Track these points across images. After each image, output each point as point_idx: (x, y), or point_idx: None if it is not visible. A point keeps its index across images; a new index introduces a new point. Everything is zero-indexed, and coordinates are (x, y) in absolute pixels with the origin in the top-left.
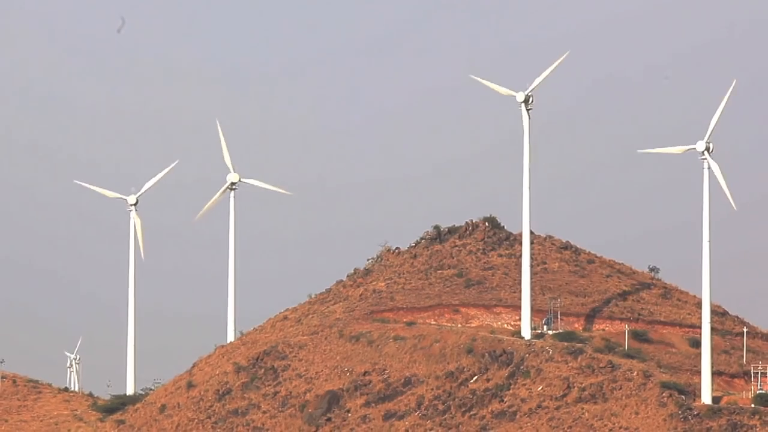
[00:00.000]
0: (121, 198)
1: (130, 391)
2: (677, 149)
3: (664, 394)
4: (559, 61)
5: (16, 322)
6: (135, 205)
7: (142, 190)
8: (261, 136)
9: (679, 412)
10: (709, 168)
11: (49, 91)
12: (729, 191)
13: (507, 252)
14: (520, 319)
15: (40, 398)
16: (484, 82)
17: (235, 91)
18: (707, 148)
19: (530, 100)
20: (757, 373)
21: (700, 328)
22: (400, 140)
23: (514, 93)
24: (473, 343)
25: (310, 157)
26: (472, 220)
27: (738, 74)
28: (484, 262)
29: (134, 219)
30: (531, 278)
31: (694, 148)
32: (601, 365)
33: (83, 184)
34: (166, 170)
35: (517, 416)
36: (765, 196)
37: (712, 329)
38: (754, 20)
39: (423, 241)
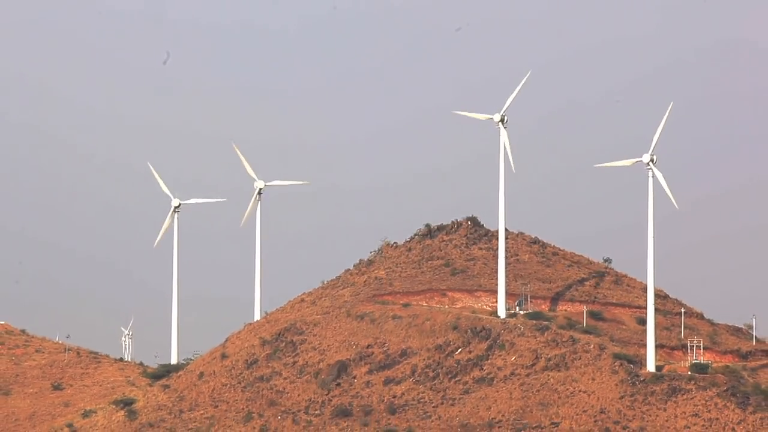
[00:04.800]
0: (168, 195)
1: (174, 360)
2: (627, 162)
3: (616, 364)
4: (523, 80)
5: (80, 303)
6: (177, 207)
7: (188, 201)
8: (279, 147)
9: (628, 378)
10: (653, 176)
11: (110, 111)
12: (672, 194)
13: (486, 246)
14: (496, 301)
15: (99, 367)
16: (467, 114)
17: (257, 109)
18: (651, 160)
19: (505, 119)
20: (693, 346)
21: (645, 308)
22: (398, 152)
23: (491, 116)
24: (458, 321)
25: (321, 165)
26: (457, 220)
27: (675, 98)
28: (467, 255)
29: (170, 218)
30: (506, 267)
31: (641, 160)
32: (563, 339)
33: (158, 239)
34: (211, 200)
35: (495, 382)
36: (698, 199)
37: (656, 310)
38: (688, 55)
39: (416, 236)
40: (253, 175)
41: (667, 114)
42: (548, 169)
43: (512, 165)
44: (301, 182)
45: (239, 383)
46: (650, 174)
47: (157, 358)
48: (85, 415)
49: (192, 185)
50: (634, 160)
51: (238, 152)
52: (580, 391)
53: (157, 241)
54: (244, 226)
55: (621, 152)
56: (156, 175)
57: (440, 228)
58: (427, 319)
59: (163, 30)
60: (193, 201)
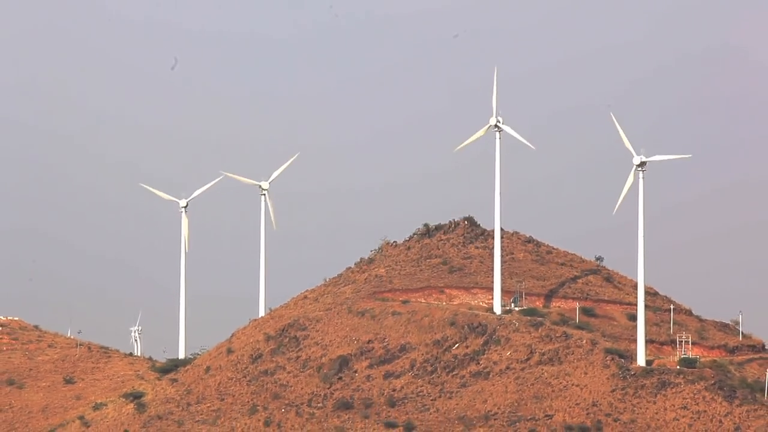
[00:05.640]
0: (174, 200)
1: (181, 355)
2: (631, 179)
3: (607, 358)
4: (495, 76)
5: (90, 300)
6: (185, 207)
7: (193, 196)
8: (287, 150)
9: (620, 372)
10: (644, 178)
11: (120, 114)
12: (621, 201)
13: (482, 245)
14: (492, 298)
15: (110, 361)
16: (467, 142)
17: (262, 113)
18: (642, 163)
19: (500, 122)
20: (681, 341)
21: (635, 305)
22: (398, 154)
23: (487, 124)
24: (455, 317)
25: (323, 167)
26: (454, 220)
27: (665, 101)
28: (464, 253)
29: (183, 219)
30: (501, 266)
31: (634, 157)
32: (557, 335)
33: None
34: (213, 182)
35: (491, 375)
36: (688, 199)
37: (646, 306)
38: (678, 61)
39: (415, 236)
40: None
41: (674, 156)
42: (542, 171)
43: (529, 145)
44: (293, 158)
45: (244, 377)
46: (641, 175)
47: (165, 353)
48: (96, 407)
49: (198, 186)
50: (633, 170)
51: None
52: (573, 384)
53: (185, 246)
54: (277, 227)
55: (612, 154)
56: (153, 191)
57: (438, 227)
58: (426, 315)
59: (171, 37)
60: (197, 193)
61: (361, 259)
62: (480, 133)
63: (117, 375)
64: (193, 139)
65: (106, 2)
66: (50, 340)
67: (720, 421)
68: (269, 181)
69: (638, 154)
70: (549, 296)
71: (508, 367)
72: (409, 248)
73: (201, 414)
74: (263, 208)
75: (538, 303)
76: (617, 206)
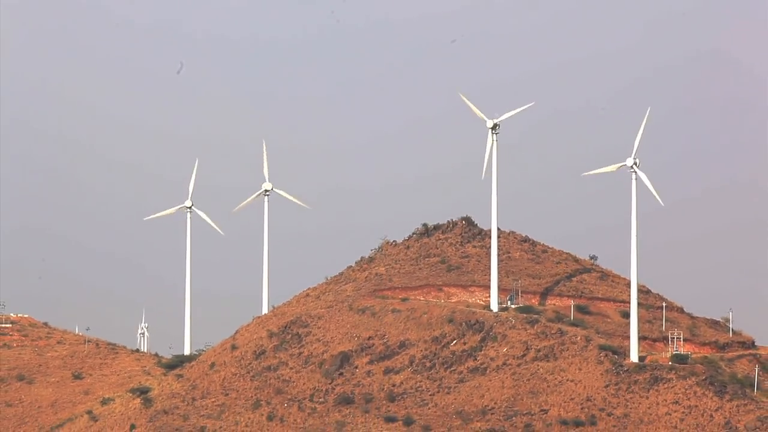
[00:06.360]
0: (182, 206)
1: (187, 351)
2: (612, 167)
3: (601, 354)
4: (524, 107)
5: (98, 298)
6: (190, 207)
7: (198, 212)
8: (285, 151)
9: (613, 368)
10: (636, 179)
11: (127, 117)
12: (656, 192)
13: (479, 244)
14: (489, 296)
15: (117, 358)
16: (467, 101)
17: (265, 115)
18: (635, 163)
19: (497, 127)
20: (674, 338)
21: (629, 303)
22: (397, 156)
23: (486, 118)
24: (453, 315)
25: (325, 168)
26: (452, 219)
27: (657, 105)
28: (462, 252)
29: (172, 209)
30: (498, 264)
31: (625, 164)
32: (552, 332)
33: (152, 216)
34: (212, 223)
35: (488, 371)
36: (679, 200)
37: (639, 304)
38: (669, 66)
39: (414, 235)
40: (266, 175)
41: (645, 119)
42: (539, 172)
43: (483, 172)
44: (302, 203)
45: (248, 373)
46: (633, 177)
47: (171, 350)
48: (104, 402)
49: (203, 187)
50: (619, 165)
51: (264, 151)
52: (567, 380)
53: (149, 217)
54: (237, 213)
55: (606, 157)
56: (193, 172)
57: (437, 227)
58: (425, 312)
59: (177, 42)
60: (203, 215)
61: (362, 257)
62: (477, 111)
63: (124, 371)
64: (198, 140)
65: (113, 7)
66: (59, 336)
67: (711, 416)
68: (272, 188)
69: (635, 157)
70: (544, 294)
71: (504, 363)
72: (408, 247)
73: (206, 408)
74: (267, 208)
75: (533, 301)
76: (588, 174)
